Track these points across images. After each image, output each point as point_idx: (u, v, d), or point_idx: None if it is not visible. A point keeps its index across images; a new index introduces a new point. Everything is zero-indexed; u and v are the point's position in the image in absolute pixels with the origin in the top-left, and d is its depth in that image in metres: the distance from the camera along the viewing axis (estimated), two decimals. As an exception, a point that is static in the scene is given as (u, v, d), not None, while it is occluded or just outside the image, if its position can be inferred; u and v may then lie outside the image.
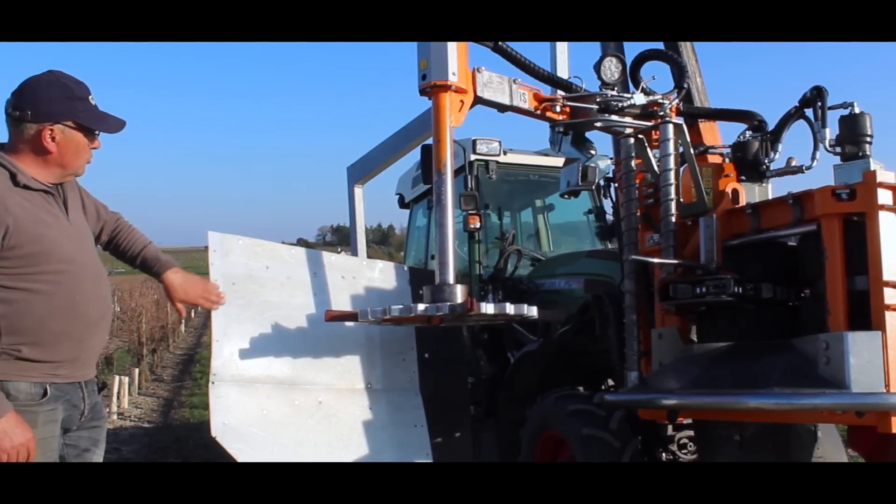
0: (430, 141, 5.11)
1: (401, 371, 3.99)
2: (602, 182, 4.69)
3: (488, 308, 3.40)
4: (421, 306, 3.40)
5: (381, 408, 3.82)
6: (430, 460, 3.87)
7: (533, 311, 3.55)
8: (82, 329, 2.93)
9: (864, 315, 3.04)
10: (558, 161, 6.48)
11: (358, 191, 4.32)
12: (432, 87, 3.64)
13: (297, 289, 3.77)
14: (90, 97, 2.97)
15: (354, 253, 4.16)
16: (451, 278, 3.48)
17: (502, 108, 4.04)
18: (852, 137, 3.28)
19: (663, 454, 4.56)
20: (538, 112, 4.16)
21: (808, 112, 3.69)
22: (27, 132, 2.89)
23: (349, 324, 3.77)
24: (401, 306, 3.42)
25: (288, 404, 3.55)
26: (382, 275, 4.14)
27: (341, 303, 3.87)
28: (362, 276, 4.04)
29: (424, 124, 4.11)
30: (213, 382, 3.38)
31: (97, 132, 3.01)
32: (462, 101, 3.75)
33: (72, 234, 2.98)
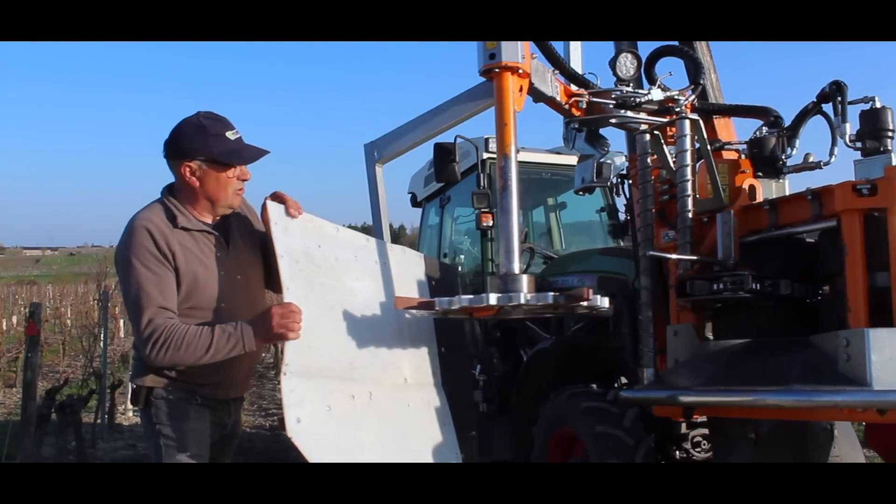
0: (443, 138, 5.11)
1: (428, 366, 3.86)
2: (616, 179, 4.67)
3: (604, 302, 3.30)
4: (529, 295, 3.26)
5: (418, 404, 3.70)
6: (460, 460, 3.75)
7: (605, 303, 3.38)
8: (225, 363, 3.13)
9: (885, 312, 3.01)
10: (570, 159, 6.46)
11: (379, 170, 4.17)
12: (501, 68, 3.53)
13: (344, 271, 3.57)
14: (228, 133, 3.19)
15: (379, 237, 3.98)
16: (516, 268, 3.38)
17: (544, 98, 3.98)
18: (874, 132, 3.27)
19: (677, 452, 4.55)
20: (566, 107, 4.13)
21: (826, 108, 3.67)
22: (174, 171, 3.21)
23: (382, 313, 3.64)
24: (495, 294, 3.27)
25: (347, 399, 3.35)
26: (411, 263, 4.01)
27: (377, 290, 3.71)
28: (391, 261, 3.88)
29: (464, 104, 3.99)
30: (285, 374, 3.10)
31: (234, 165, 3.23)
32: (521, 86, 3.64)
33: (230, 272, 3.26)
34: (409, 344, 3.77)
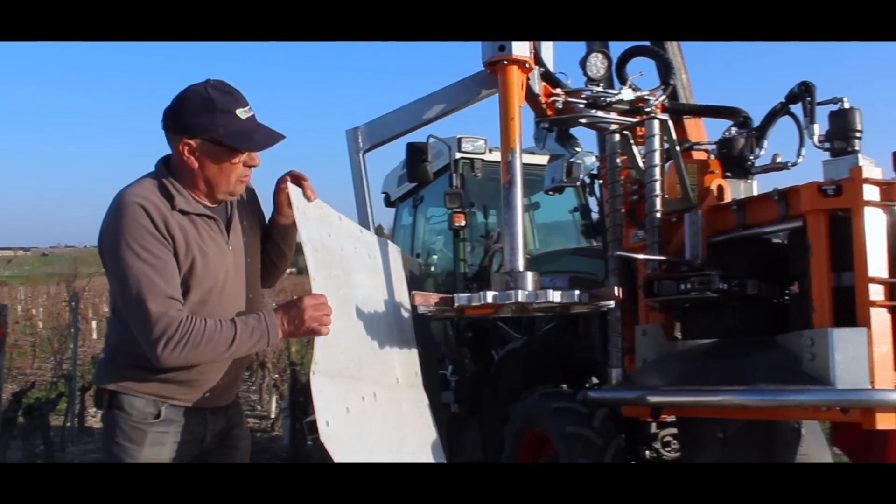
0: (434, 128, 5.08)
1: (412, 366, 3.79)
2: (587, 179, 4.68)
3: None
4: (559, 294, 3.15)
5: (409, 405, 3.63)
6: (445, 461, 3.67)
7: (612, 303, 3.38)
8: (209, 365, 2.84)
9: (850, 311, 3.02)
10: (543, 159, 6.46)
11: (362, 158, 4.02)
12: (509, 61, 3.48)
13: (350, 263, 3.35)
14: (239, 110, 2.74)
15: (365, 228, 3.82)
16: (521, 265, 3.33)
17: (530, 95, 3.95)
18: (842, 133, 3.28)
19: (647, 452, 4.56)
20: (543, 106, 4.12)
21: (795, 108, 3.68)
22: (171, 145, 2.79)
23: (379, 310, 3.49)
24: (524, 291, 3.18)
25: (359, 401, 3.15)
26: (392, 257, 3.88)
27: (374, 285, 3.57)
28: (381, 255, 3.75)
29: (457, 94, 3.93)
30: (314, 373, 2.85)
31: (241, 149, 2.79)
32: (522, 81, 3.60)
33: (230, 262, 2.89)
34: (397, 343, 3.64)
